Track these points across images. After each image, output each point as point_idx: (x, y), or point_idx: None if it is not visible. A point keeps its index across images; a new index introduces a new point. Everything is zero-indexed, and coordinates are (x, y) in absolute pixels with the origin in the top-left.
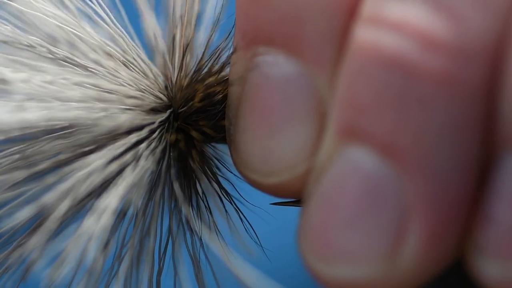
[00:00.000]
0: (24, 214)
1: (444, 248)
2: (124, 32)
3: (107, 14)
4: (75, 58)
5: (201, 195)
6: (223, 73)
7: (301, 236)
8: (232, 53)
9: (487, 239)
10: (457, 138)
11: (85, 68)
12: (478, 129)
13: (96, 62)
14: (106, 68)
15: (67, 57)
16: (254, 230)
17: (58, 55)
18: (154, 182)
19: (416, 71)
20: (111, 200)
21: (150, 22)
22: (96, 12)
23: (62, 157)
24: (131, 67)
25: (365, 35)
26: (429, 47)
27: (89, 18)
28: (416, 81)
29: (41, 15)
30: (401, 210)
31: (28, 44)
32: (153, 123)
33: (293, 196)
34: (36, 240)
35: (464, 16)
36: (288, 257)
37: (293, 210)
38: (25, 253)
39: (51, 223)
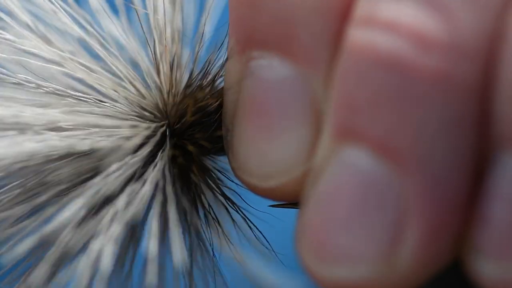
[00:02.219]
0: (27, 245)
1: (442, 248)
2: (114, 53)
3: (96, 35)
4: (65, 89)
5: (207, 208)
6: (214, 85)
7: (299, 237)
8: (223, 62)
9: (484, 239)
10: (452, 137)
11: (75, 97)
12: (474, 128)
13: (86, 89)
14: (97, 95)
15: (56, 89)
16: (263, 235)
17: (47, 89)
18: (161, 201)
19: (410, 70)
20: (117, 225)
21: (133, 43)
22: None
23: (62, 186)
24: (122, 90)
25: (358, 35)
26: (423, 46)
27: (76, 40)
28: (411, 80)
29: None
30: (398, 210)
31: (16, 82)
32: (149, 143)
33: (291, 199)
34: (41, 271)
35: (458, 14)
36: (287, 259)
37: (291, 212)
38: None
39: (54, 253)
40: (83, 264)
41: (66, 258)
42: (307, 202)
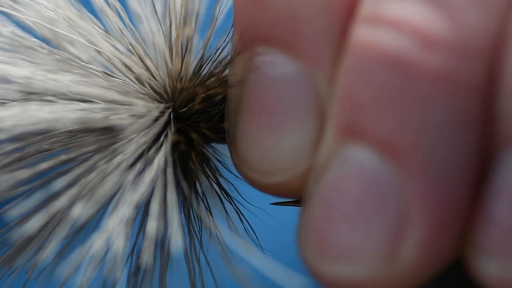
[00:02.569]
0: (36, 221)
1: (444, 247)
2: (126, 32)
3: (107, 15)
4: (76, 60)
5: (201, 196)
6: (223, 74)
7: (301, 235)
8: (232, 53)
9: (486, 238)
10: (456, 136)
11: (86, 69)
12: (477, 127)
13: (97, 62)
14: (108, 69)
15: (68, 58)
16: (254, 231)
17: (59, 57)
18: (162, 184)
19: (415, 69)
20: (127, 203)
21: (149, 23)
22: (96, 12)
23: (64, 157)
24: (133, 68)
25: (363, 33)
26: (427, 45)
27: (89, 19)
28: (415, 79)
29: (40, 12)
30: (401, 209)
31: (29, 46)
32: (154, 124)
33: (293, 195)
34: (50, 248)
35: (462, 13)
36: (288, 257)
37: (293, 210)
38: (40, 259)
39: (64, 229)
40: (96, 245)
41: (76, 236)
42: (310, 200)
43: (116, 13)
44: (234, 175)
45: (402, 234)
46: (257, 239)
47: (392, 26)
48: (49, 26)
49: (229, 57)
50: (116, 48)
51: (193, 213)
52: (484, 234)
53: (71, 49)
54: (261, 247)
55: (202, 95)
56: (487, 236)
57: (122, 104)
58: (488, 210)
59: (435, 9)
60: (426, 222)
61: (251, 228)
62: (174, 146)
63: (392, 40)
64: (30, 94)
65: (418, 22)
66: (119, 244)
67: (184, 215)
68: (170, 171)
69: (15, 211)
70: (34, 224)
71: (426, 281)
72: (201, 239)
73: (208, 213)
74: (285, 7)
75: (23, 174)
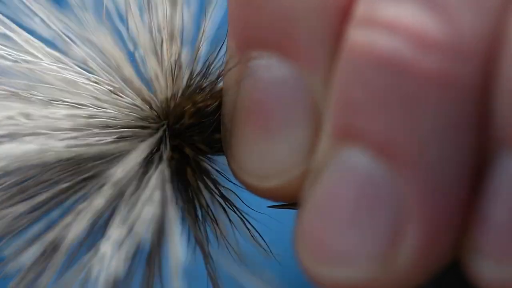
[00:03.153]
0: (33, 251)
1: (441, 249)
2: (114, 52)
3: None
4: (59, 95)
5: (205, 208)
6: (214, 86)
7: (298, 238)
8: (226, 59)
9: (483, 239)
10: (452, 137)
11: (71, 103)
12: (473, 129)
13: (83, 91)
14: (95, 96)
15: (52, 98)
16: (261, 236)
17: (42, 98)
18: (161, 202)
19: (410, 71)
20: (121, 227)
21: (136, 41)
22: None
23: (62, 186)
24: (122, 92)
25: (358, 36)
26: (422, 47)
27: (74, 41)
28: (410, 81)
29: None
30: (397, 211)
31: (11, 92)
32: (148, 144)
33: (290, 199)
34: (47, 275)
35: (457, 15)
36: (285, 260)
37: (289, 212)
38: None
39: (59, 256)
40: (93, 267)
41: (71, 260)
42: (306, 203)
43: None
44: (233, 183)
45: (398, 236)
46: (266, 244)
47: (387, 28)
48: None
49: (223, 65)
50: (105, 73)
51: (198, 226)
52: (481, 236)
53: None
54: (272, 252)
55: (191, 110)
56: (484, 238)
57: (115, 128)
58: (485, 211)
59: (430, 10)
60: (422, 224)
61: (259, 234)
62: (171, 163)
63: (387, 42)
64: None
65: (413, 24)
66: (116, 265)
67: (189, 229)
68: (168, 188)
69: (14, 244)
70: (32, 254)
71: (423, 283)
72: (208, 253)
73: (215, 225)
74: (279, 11)
75: (22, 207)
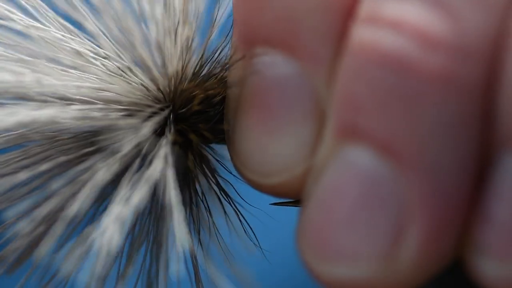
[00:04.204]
0: (32, 218)
1: (443, 248)
2: (126, 34)
3: (107, 16)
4: (75, 60)
5: (200, 196)
6: (223, 75)
7: (300, 236)
8: (231, 54)
9: (485, 239)
10: (455, 136)
11: (83, 71)
12: (477, 128)
13: (95, 63)
14: (103, 71)
15: (66, 64)
16: (253, 231)
17: (51, 66)
18: (163, 186)
19: (414, 70)
20: (122, 204)
21: (149, 24)
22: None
23: (64, 158)
24: (131, 70)
25: (363, 34)
26: (427, 45)
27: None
28: (414, 80)
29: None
30: (400, 209)
31: (21, 57)
32: (153, 125)
33: (293, 196)
34: (47, 244)
35: (462, 14)
36: (287, 257)
37: (292, 210)
38: (38, 256)
39: (59, 226)
40: (94, 240)
41: (71, 233)
42: (309, 200)
43: (116, 15)
44: (234, 175)
45: (401, 235)
46: (257, 239)
47: (391, 27)
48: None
49: (229, 58)
50: (116, 49)
51: (192, 213)
52: (483, 235)
53: (72, 46)
54: (261, 248)
55: (201, 96)
56: (486, 236)
57: (121, 105)
58: (488, 210)
59: (434, 9)
60: (425, 223)
61: (251, 228)
62: (174, 147)
63: (391, 41)
64: (26, 96)
65: (418, 22)
66: (114, 242)
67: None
68: (169, 171)
69: (12, 211)
70: (29, 222)
71: (425, 282)
72: (201, 240)
73: (208, 214)
74: (284, 8)
75: (22, 175)
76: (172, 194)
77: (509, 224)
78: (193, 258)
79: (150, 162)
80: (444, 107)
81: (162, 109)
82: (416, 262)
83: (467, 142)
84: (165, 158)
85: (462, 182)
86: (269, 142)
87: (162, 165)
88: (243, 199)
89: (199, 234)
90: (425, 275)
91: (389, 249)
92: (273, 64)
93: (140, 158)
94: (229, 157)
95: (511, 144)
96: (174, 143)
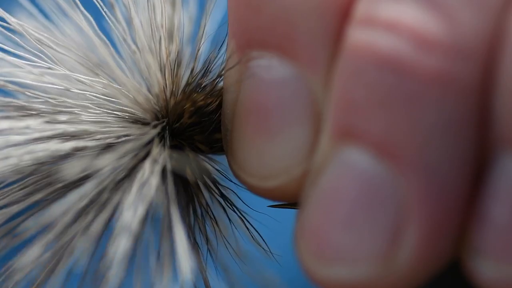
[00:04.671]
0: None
1: (441, 249)
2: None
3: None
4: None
5: (204, 207)
6: (214, 85)
7: (298, 237)
8: (227, 58)
9: (483, 240)
10: (452, 137)
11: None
12: (473, 128)
13: (77, 97)
14: (92, 101)
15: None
16: (261, 236)
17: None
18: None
19: (410, 70)
20: (128, 218)
21: (137, 41)
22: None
23: (60, 184)
24: (123, 86)
25: (358, 35)
26: (422, 46)
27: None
28: (410, 80)
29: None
30: (397, 210)
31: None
32: (148, 142)
33: (291, 198)
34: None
35: (458, 15)
36: (286, 259)
37: (290, 212)
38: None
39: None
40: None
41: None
42: (306, 202)
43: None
44: (233, 182)
45: (399, 236)
46: (266, 243)
47: (387, 28)
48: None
49: (223, 65)
50: (104, 70)
51: (196, 225)
52: (481, 236)
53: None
54: (270, 252)
55: (191, 109)
56: (484, 237)
57: (116, 125)
58: (485, 211)
59: (430, 10)
60: (423, 224)
61: (258, 233)
62: (171, 163)
63: (387, 42)
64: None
65: (413, 23)
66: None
67: (188, 228)
68: (169, 187)
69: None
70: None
71: (423, 282)
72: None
73: (214, 223)
74: (280, 11)
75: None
76: (172, 210)
77: (506, 225)
78: (203, 274)
79: (147, 180)
80: (440, 108)
81: (156, 126)
82: (414, 263)
83: (464, 143)
84: (162, 174)
85: (460, 183)
86: (267, 144)
87: (158, 181)
88: (247, 205)
89: (207, 244)
90: (423, 275)
91: (387, 250)
92: (269, 67)
93: (137, 175)
94: (227, 165)
95: (508, 144)
96: (171, 159)
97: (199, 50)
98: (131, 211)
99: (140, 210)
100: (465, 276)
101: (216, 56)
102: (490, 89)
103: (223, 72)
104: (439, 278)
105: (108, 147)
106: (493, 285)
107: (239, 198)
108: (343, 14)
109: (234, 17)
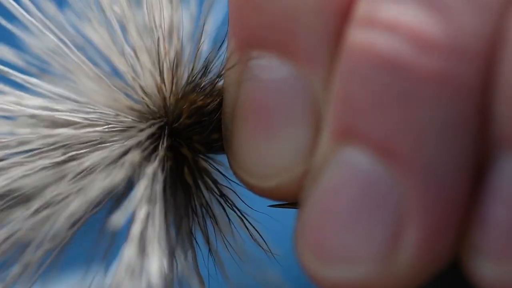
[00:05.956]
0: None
1: (441, 249)
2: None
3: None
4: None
5: (205, 207)
6: (214, 85)
7: (298, 237)
8: (227, 58)
9: (483, 240)
10: (452, 137)
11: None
12: (473, 129)
13: (87, 85)
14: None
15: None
16: (261, 236)
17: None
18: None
19: (410, 71)
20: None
21: (136, 41)
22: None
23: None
24: (123, 85)
25: (359, 36)
26: (423, 47)
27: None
28: (411, 82)
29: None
30: (397, 211)
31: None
32: (147, 142)
33: (291, 198)
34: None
35: (457, 15)
36: (286, 259)
37: (290, 212)
38: None
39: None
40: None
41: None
42: (306, 202)
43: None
44: (233, 181)
45: (399, 236)
46: (266, 243)
47: (387, 28)
48: None
49: (223, 64)
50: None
51: (199, 225)
52: (481, 236)
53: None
54: (270, 252)
55: (190, 109)
56: (484, 238)
57: (115, 123)
58: (485, 212)
59: (430, 11)
60: (423, 224)
61: (258, 233)
62: (168, 163)
63: (388, 43)
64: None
65: (414, 24)
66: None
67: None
68: (167, 187)
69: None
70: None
71: (423, 282)
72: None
73: (214, 222)
74: (280, 11)
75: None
76: (157, 215)
77: (506, 225)
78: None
79: (144, 179)
80: (440, 108)
81: (154, 126)
82: (414, 263)
83: (464, 143)
84: (159, 174)
85: (460, 183)
86: (266, 145)
87: (156, 181)
88: (248, 206)
89: (208, 245)
90: (423, 276)
91: (387, 250)
92: (269, 67)
93: (136, 175)
94: (228, 165)
95: (508, 144)
96: (167, 159)
97: (199, 49)
98: (125, 212)
99: (136, 211)
100: (465, 276)
101: (216, 56)
102: (490, 89)
103: (223, 71)
104: (439, 278)
105: (106, 147)
106: (493, 285)
107: (239, 198)
108: (343, 14)
109: (234, 17)
